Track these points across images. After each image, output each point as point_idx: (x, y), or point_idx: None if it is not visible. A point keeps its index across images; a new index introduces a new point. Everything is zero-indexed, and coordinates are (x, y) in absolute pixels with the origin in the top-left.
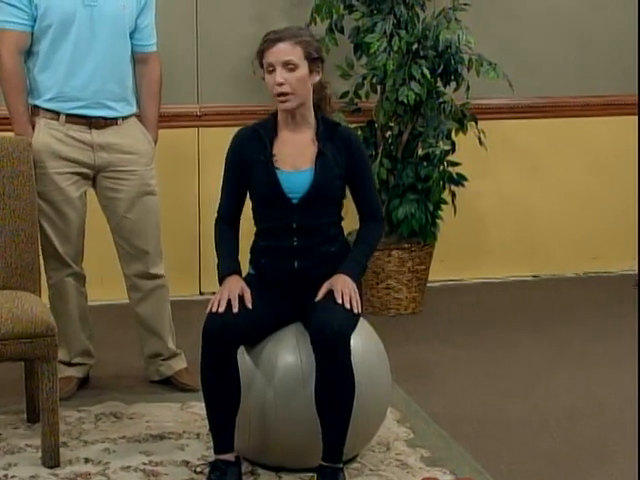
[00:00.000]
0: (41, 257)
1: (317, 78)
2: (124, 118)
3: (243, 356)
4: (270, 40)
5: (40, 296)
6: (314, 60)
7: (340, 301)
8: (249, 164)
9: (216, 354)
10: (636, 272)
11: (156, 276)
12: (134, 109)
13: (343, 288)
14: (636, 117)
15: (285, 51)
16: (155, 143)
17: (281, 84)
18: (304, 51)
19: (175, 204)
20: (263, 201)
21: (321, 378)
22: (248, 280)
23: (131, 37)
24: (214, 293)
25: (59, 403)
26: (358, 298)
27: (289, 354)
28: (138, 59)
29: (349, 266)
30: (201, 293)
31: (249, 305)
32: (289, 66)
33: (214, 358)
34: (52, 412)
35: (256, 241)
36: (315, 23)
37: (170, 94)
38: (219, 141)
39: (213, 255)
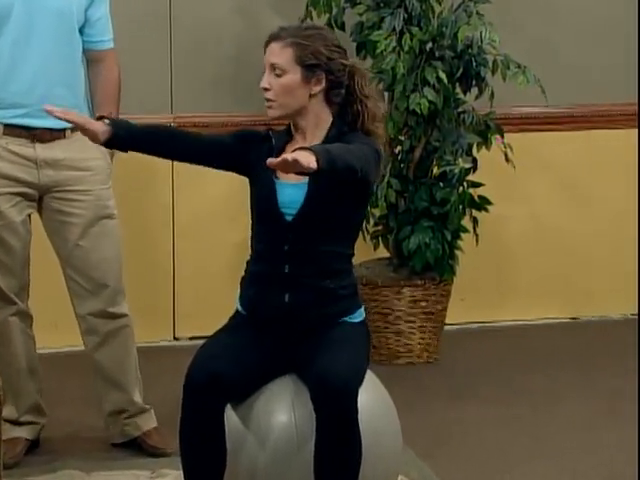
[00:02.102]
0: None
1: (318, 89)
2: (73, 129)
3: (229, 414)
4: (269, 37)
5: None
6: (310, 67)
7: (272, 161)
8: (252, 164)
9: (200, 410)
10: None
11: (118, 315)
12: None
13: (289, 155)
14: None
15: (273, 52)
16: (112, 157)
17: (266, 89)
18: (295, 55)
19: (144, 234)
20: (258, 216)
21: (322, 441)
22: (235, 321)
23: (81, 33)
24: (192, 339)
25: (2, 473)
26: (308, 159)
27: (282, 412)
28: (91, 58)
29: (313, 147)
30: (176, 338)
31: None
32: (276, 71)
33: (197, 415)
34: None
35: (247, 269)
36: (311, 18)
37: (138, 103)
38: None
39: (190, 293)
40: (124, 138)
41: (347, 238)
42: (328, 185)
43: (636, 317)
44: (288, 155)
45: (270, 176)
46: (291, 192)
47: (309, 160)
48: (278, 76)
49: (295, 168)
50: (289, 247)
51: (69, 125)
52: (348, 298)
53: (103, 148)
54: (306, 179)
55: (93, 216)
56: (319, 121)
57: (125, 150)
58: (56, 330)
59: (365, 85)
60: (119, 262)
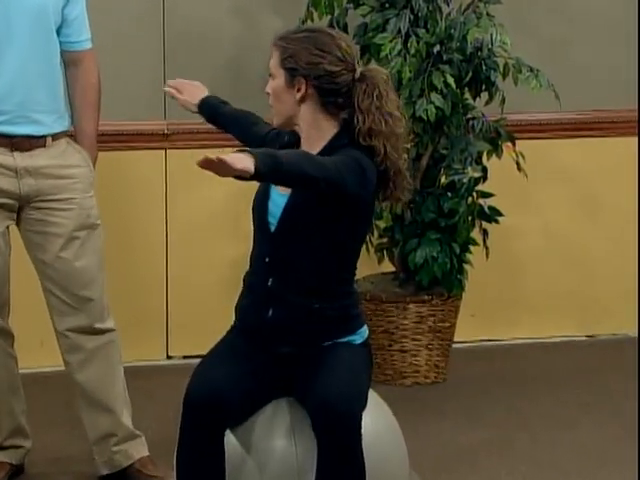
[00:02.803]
0: None
1: (299, 95)
2: (54, 137)
3: (228, 438)
4: None
5: None
6: (290, 71)
7: (198, 161)
8: None
9: (201, 430)
10: None
11: (103, 330)
12: (67, 125)
13: (214, 155)
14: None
15: (271, 55)
16: (94, 164)
17: (268, 94)
18: (279, 58)
19: (136, 244)
20: (253, 222)
21: (324, 467)
22: (232, 335)
23: (58, 33)
24: (186, 357)
25: None
26: (231, 161)
27: (282, 437)
28: (69, 60)
29: (255, 150)
30: (169, 357)
31: None
32: (270, 74)
33: (197, 435)
34: None
35: (244, 277)
36: (312, 19)
37: (130, 108)
38: (191, 166)
39: (184, 308)
40: (208, 114)
41: (337, 258)
42: (305, 197)
43: None
44: (213, 155)
45: (265, 182)
46: (279, 201)
47: (243, 163)
48: (272, 80)
49: (223, 169)
50: (270, 259)
51: (49, 132)
52: (341, 320)
53: (85, 154)
54: (291, 190)
55: (76, 226)
56: (317, 131)
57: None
58: (41, 348)
59: (366, 98)
60: (102, 275)
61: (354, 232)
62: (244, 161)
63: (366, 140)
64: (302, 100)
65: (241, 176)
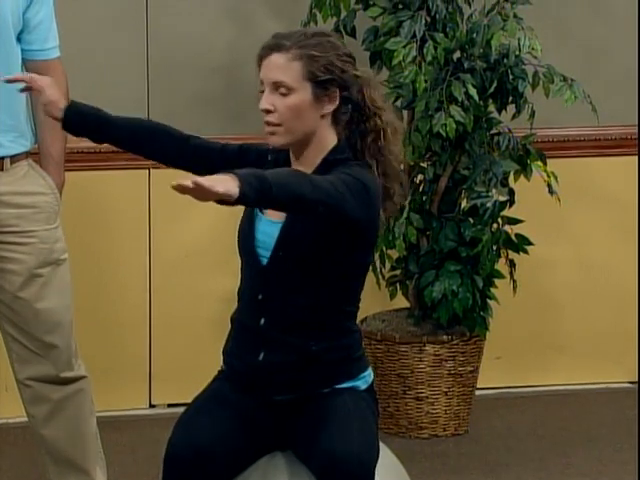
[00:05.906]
0: None
1: (331, 107)
2: (13, 159)
3: None
4: (267, 47)
5: None
6: (323, 83)
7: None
8: None
9: None
10: None
11: (72, 379)
12: (29, 145)
13: (189, 179)
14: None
15: (277, 67)
16: (60, 191)
17: (267, 111)
18: (305, 70)
19: (114, 280)
20: (239, 254)
21: None
22: (219, 382)
23: (19, 40)
24: (171, 406)
25: None
26: (212, 184)
27: None
28: (32, 71)
29: (240, 171)
30: (152, 406)
31: None
32: (280, 89)
33: None
34: None
35: (232, 317)
36: (315, 22)
37: None
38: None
39: (168, 349)
40: (79, 124)
41: (340, 291)
42: (304, 225)
43: None
44: (188, 180)
45: (252, 209)
46: (268, 230)
47: (225, 186)
48: (284, 95)
49: (202, 194)
50: (263, 296)
51: (7, 153)
52: (342, 363)
53: (50, 180)
54: (283, 215)
55: (37, 262)
56: (323, 146)
57: (92, 139)
58: (6, 394)
59: (378, 96)
60: (69, 317)
61: (359, 260)
62: (226, 184)
63: (393, 143)
64: (327, 114)
65: (224, 200)
